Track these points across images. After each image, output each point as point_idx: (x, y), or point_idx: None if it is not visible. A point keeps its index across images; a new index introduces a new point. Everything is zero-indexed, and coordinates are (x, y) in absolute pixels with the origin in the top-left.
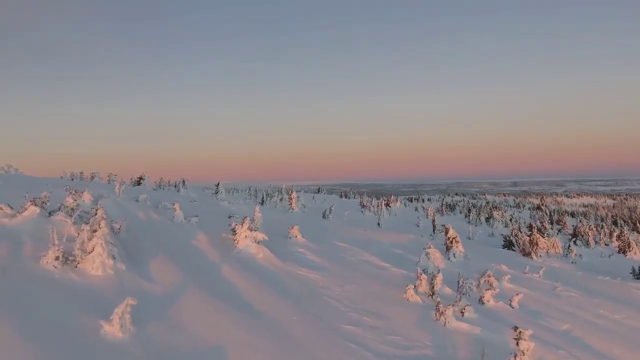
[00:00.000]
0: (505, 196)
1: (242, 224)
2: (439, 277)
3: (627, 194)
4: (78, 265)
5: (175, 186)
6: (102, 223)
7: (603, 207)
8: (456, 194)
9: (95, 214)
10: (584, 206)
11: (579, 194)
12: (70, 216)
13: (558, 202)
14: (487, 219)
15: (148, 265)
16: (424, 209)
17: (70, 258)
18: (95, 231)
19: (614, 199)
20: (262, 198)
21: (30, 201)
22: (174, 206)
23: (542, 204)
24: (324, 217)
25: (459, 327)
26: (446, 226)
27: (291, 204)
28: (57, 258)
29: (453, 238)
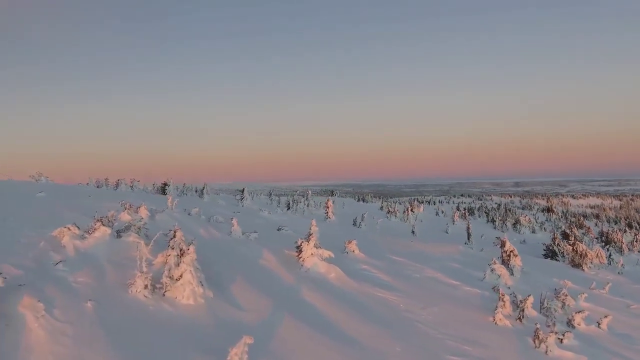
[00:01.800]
0: (510, 197)
1: (307, 241)
2: (530, 299)
3: (632, 195)
4: (165, 293)
5: (196, 191)
6: (191, 248)
7: (610, 208)
8: (462, 195)
9: (174, 236)
10: (591, 207)
11: (584, 195)
12: (138, 235)
13: (564, 203)
14: (514, 225)
15: (230, 290)
16: (443, 213)
17: (158, 286)
18: (181, 256)
19: (619, 200)
20: (288, 204)
21: (99, 220)
22: (232, 221)
23: (552, 206)
24: (354, 224)
25: (562, 356)
26: (502, 238)
27: (327, 212)
28: (145, 287)
29: (511, 251)
